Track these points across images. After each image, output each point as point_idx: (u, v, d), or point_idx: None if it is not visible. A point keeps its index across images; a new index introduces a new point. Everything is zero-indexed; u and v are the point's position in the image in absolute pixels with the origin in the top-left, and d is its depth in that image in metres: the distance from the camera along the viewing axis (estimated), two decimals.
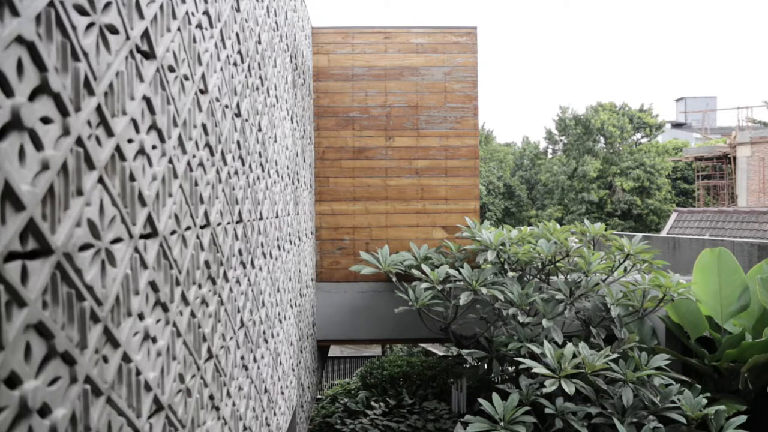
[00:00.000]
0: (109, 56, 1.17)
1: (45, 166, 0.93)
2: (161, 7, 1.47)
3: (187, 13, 1.68)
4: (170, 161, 1.52)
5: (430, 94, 6.02)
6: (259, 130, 2.77)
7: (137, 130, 1.30)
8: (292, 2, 4.16)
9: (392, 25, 6.09)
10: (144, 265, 1.34)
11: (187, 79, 1.67)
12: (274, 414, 3.21)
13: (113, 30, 1.19)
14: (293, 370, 4.06)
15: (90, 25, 1.09)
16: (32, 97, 0.90)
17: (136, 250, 1.29)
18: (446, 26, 6.06)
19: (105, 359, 1.13)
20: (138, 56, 1.32)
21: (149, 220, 1.37)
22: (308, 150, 5.29)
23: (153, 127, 1.41)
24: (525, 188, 30.67)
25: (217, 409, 1.97)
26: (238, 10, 2.33)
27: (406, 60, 6.02)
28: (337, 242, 5.98)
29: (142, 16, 1.34)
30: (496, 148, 32.44)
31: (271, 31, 3.16)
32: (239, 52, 2.35)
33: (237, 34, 2.31)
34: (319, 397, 7.38)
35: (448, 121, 6.02)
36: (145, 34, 1.37)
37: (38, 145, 0.91)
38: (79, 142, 1.04)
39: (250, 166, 2.53)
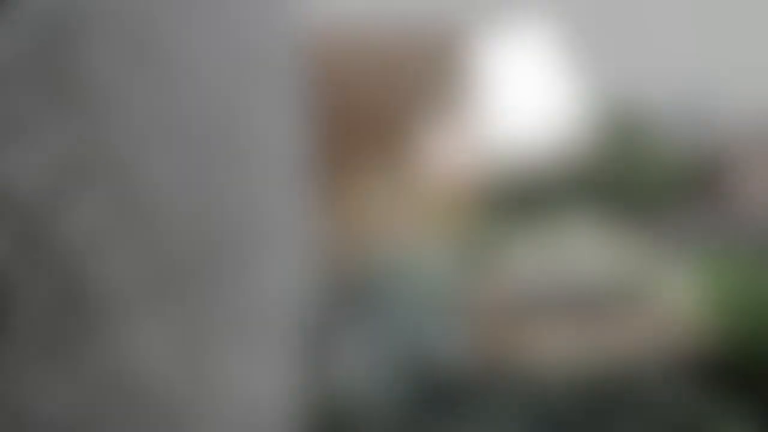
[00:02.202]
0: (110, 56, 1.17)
1: (45, 166, 0.93)
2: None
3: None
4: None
5: (430, 94, 6.04)
6: None
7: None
8: (292, 2, 4.16)
9: (392, 25, 6.10)
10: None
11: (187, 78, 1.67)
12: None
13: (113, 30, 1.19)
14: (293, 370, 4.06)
15: None
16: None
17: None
18: (446, 25, 6.07)
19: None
20: (138, 56, 1.32)
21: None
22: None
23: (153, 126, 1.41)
24: None
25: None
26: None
27: (406, 59, 6.04)
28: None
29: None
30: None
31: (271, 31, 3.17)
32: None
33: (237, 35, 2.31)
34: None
35: (448, 121, 6.03)
36: (145, 34, 1.37)
37: (38, 145, 0.91)
38: (79, 141, 1.04)
39: None
